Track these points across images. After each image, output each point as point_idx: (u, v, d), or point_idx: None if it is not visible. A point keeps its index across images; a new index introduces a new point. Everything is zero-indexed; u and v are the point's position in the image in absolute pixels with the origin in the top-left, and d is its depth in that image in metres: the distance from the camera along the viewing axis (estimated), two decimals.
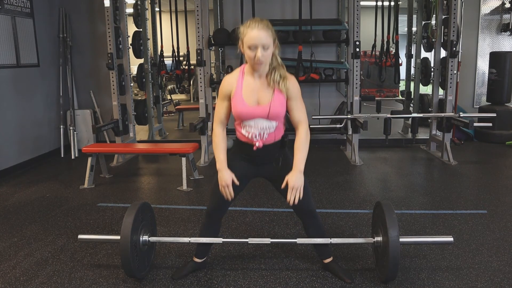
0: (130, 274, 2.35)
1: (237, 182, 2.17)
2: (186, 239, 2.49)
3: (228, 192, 2.16)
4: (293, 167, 2.12)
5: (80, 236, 2.59)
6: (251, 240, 2.43)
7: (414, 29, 6.25)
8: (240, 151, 2.27)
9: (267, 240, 2.41)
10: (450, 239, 2.33)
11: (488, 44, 6.01)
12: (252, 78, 2.12)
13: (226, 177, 2.14)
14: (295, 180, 2.08)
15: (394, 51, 6.10)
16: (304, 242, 2.41)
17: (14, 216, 3.52)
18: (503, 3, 5.87)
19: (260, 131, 2.15)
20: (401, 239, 2.20)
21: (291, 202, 2.10)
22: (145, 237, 2.43)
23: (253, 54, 2.00)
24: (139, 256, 2.38)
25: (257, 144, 2.16)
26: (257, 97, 2.11)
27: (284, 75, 2.11)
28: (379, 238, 2.32)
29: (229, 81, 2.15)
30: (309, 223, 2.38)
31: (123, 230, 2.28)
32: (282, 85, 2.09)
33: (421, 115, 5.47)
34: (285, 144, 2.25)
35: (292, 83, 2.12)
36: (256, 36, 1.97)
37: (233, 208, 3.37)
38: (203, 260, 2.52)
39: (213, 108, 5.60)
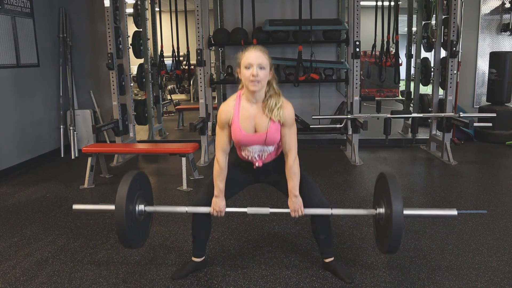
0: (126, 244, 2.29)
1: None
2: (183, 208, 2.41)
3: (219, 216, 2.34)
4: (289, 193, 2.28)
5: (74, 206, 2.49)
6: (250, 210, 2.36)
7: (414, 29, 6.24)
8: (240, 165, 2.37)
9: (267, 210, 2.34)
10: (454, 212, 2.26)
11: (488, 44, 6.01)
12: (249, 104, 2.19)
13: (221, 204, 2.31)
14: (293, 204, 2.28)
15: (394, 51, 6.09)
16: (305, 212, 2.30)
17: (14, 216, 3.52)
18: (503, 3, 5.87)
19: (259, 153, 2.28)
20: (405, 212, 2.12)
21: (296, 217, 2.30)
22: (141, 207, 2.37)
23: (249, 72, 2.07)
24: (136, 226, 2.31)
25: (256, 164, 2.30)
26: (254, 125, 2.20)
27: (280, 104, 2.17)
28: (382, 210, 2.26)
29: (226, 110, 2.22)
30: (319, 220, 2.38)
31: (118, 199, 2.20)
32: (277, 116, 2.15)
33: (421, 115, 5.47)
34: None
35: (287, 112, 2.18)
36: (253, 56, 2.09)
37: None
38: (202, 259, 2.52)
39: (214, 108, 5.61)
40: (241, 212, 3.36)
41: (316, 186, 2.42)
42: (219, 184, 2.28)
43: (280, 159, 2.32)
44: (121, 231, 2.22)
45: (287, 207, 2.31)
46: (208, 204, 2.34)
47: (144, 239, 2.45)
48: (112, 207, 2.27)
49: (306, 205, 2.31)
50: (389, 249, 2.21)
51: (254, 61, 2.07)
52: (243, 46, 5.34)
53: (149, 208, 2.43)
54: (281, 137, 2.22)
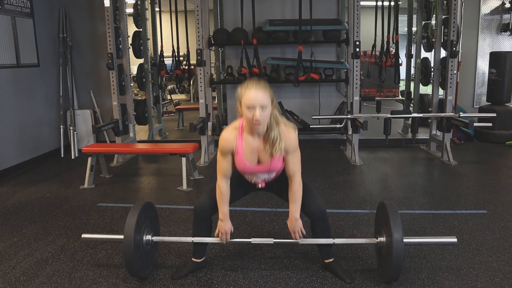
0: (133, 273, 2.36)
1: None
2: (189, 239, 2.48)
3: (225, 239, 2.37)
4: (290, 215, 2.31)
5: (83, 236, 2.60)
6: (254, 240, 2.43)
7: (414, 29, 6.24)
8: (243, 178, 2.40)
9: (270, 240, 2.41)
10: (454, 239, 2.32)
11: (488, 44, 6.00)
12: (251, 137, 2.19)
13: (227, 226, 2.34)
14: (293, 226, 2.32)
15: (394, 51, 6.09)
16: (306, 242, 2.41)
17: (14, 216, 3.52)
18: (503, 3, 5.86)
19: (262, 179, 2.34)
20: (405, 240, 2.19)
21: (296, 238, 2.34)
22: (148, 237, 2.44)
23: (251, 114, 2.04)
24: (142, 256, 2.38)
25: (259, 186, 2.37)
26: (257, 157, 2.22)
27: (281, 136, 2.14)
28: (383, 239, 2.32)
29: (228, 139, 2.21)
30: (318, 224, 2.38)
31: (126, 230, 2.28)
32: (278, 150, 2.15)
33: (421, 115, 5.46)
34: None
35: (289, 141, 2.17)
36: (254, 97, 2.02)
37: (233, 208, 3.34)
38: (202, 260, 2.52)
39: (213, 108, 5.61)
40: (241, 213, 3.41)
41: (315, 190, 2.46)
42: (223, 208, 2.30)
43: (282, 176, 2.33)
44: (129, 261, 2.28)
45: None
46: (212, 207, 2.37)
47: (150, 268, 2.49)
48: (120, 237, 2.34)
49: (304, 210, 2.34)
50: (391, 277, 2.26)
51: (256, 103, 2.02)
52: (243, 46, 5.31)
53: (156, 238, 2.52)
54: (285, 162, 2.24)
